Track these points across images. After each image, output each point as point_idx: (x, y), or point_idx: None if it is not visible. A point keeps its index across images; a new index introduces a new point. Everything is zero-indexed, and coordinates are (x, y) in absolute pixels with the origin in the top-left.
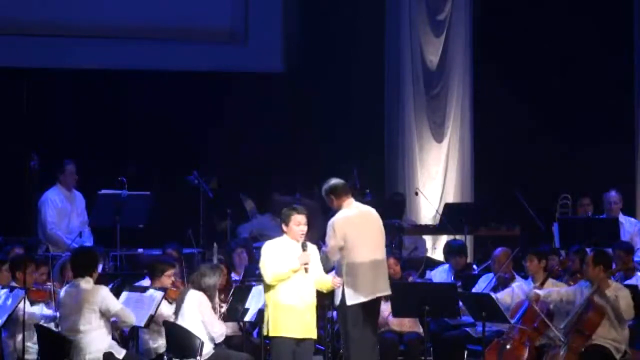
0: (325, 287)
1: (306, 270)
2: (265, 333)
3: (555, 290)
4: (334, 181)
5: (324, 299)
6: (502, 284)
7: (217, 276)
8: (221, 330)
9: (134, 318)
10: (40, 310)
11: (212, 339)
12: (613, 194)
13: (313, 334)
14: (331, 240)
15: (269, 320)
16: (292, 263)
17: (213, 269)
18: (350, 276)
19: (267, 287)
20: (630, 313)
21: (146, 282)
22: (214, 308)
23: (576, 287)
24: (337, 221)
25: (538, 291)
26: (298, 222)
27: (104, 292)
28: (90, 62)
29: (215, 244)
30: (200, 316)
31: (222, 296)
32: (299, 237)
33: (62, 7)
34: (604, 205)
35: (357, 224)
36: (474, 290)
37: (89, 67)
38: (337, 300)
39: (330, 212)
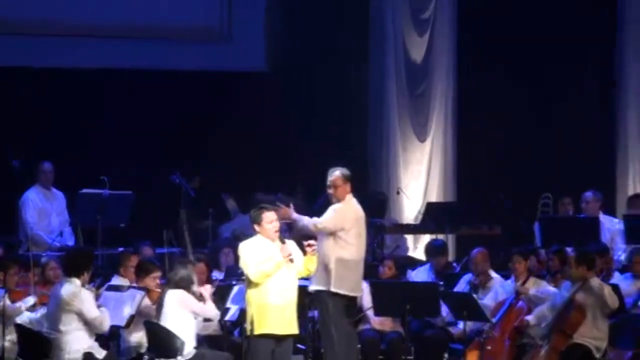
0: (311, 264)
1: (291, 260)
2: (248, 333)
3: (543, 296)
4: (347, 170)
5: (305, 298)
6: (476, 287)
7: (187, 267)
8: (214, 311)
9: (105, 327)
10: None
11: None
12: (587, 194)
13: (294, 330)
14: (327, 222)
15: (253, 320)
16: (275, 258)
17: (182, 262)
18: (339, 267)
19: (249, 286)
20: (615, 302)
21: (115, 280)
22: (196, 294)
23: (559, 289)
24: (341, 211)
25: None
26: (270, 220)
27: (85, 296)
28: (71, 61)
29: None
30: (187, 315)
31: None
32: (274, 234)
33: (42, 6)
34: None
35: (355, 221)
36: (455, 289)
37: (70, 66)
38: (319, 287)
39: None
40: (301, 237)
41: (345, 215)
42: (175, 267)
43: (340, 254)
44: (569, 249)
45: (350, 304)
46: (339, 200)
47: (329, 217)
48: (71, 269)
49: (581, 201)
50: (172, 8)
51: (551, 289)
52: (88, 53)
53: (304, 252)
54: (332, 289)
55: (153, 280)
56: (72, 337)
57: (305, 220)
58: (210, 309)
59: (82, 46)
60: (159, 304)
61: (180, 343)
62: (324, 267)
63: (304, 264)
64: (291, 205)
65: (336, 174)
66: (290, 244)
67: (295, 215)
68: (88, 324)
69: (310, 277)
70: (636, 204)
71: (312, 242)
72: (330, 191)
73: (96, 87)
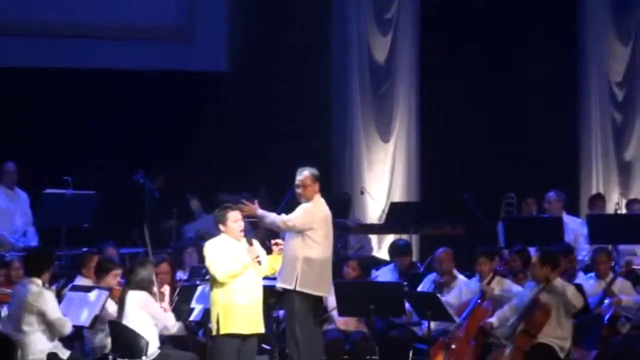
0: (276, 263)
1: (259, 263)
2: (214, 333)
3: (509, 295)
4: (316, 170)
5: (270, 297)
6: (441, 286)
7: (147, 268)
8: (172, 320)
9: (67, 330)
10: None
11: (165, 330)
12: (550, 194)
13: (260, 328)
14: (296, 220)
15: (219, 320)
16: (242, 259)
17: (142, 263)
18: (306, 266)
19: (215, 286)
20: (580, 301)
21: (78, 280)
22: (154, 296)
23: (523, 289)
24: (310, 210)
25: (494, 290)
26: (235, 219)
27: (47, 297)
28: (29, 60)
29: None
30: (148, 316)
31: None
32: (239, 234)
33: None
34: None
35: (324, 221)
36: (419, 289)
37: (29, 65)
38: (285, 285)
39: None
40: (265, 236)
41: (314, 214)
42: (134, 268)
43: (308, 253)
44: (532, 249)
45: (317, 304)
46: (307, 200)
47: (299, 216)
48: (32, 269)
49: (544, 201)
50: (133, 7)
51: (517, 287)
52: (51, 52)
53: (269, 251)
54: (298, 288)
55: (114, 278)
56: (36, 338)
57: (272, 217)
58: (170, 317)
59: (40, 45)
60: (120, 304)
61: (144, 343)
62: (291, 266)
63: (269, 262)
64: (256, 202)
65: (305, 173)
66: (255, 244)
67: (260, 212)
68: (49, 325)
69: (275, 275)
70: (597, 204)
71: (279, 241)
72: (299, 191)
73: (57, 87)
